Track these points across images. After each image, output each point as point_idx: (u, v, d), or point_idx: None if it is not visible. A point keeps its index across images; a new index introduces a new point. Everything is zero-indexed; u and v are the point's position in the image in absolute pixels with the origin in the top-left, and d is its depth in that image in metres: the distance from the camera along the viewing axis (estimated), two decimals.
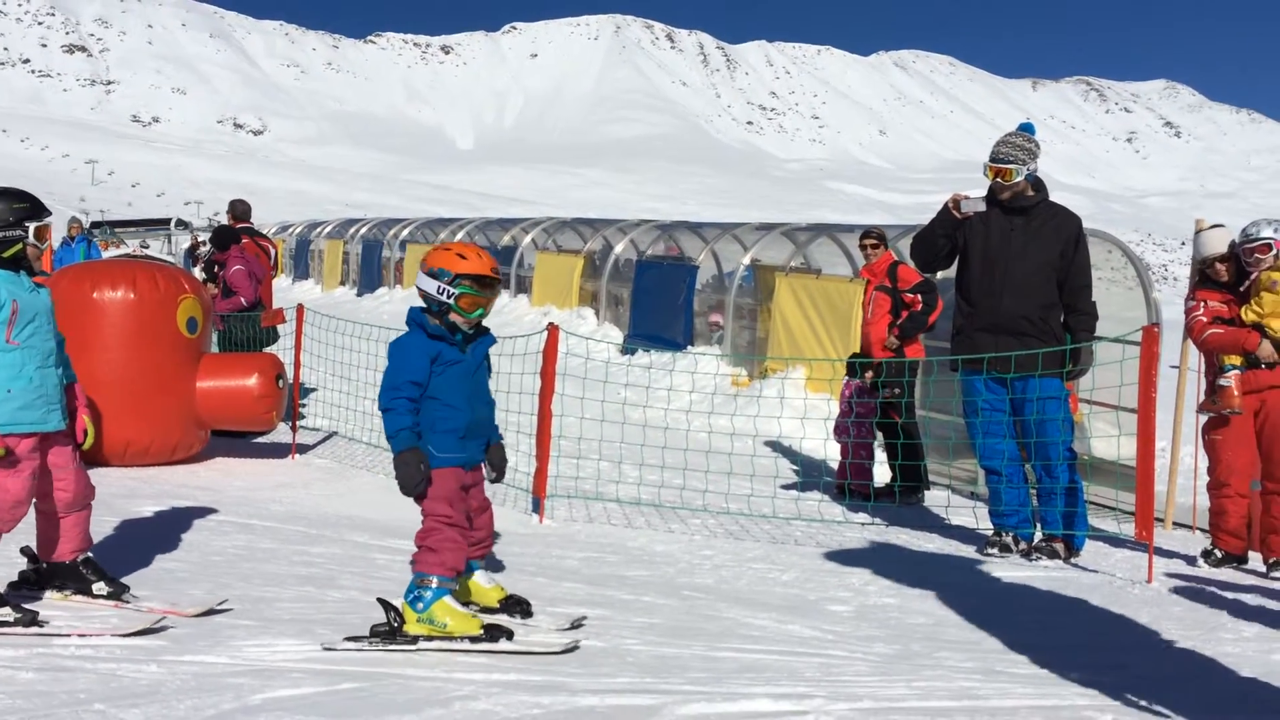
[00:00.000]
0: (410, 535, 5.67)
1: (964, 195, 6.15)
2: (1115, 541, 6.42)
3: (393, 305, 22.68)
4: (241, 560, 4.83)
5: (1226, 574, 5.81)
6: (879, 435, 8.03)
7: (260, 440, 8.62)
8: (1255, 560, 6.07)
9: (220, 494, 6.53)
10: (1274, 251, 5.92)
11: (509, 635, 3.70)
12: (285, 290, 28.11)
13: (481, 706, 3.07)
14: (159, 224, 34.21)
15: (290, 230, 33.71)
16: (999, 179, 5.94)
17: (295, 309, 9.14)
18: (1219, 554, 6.00)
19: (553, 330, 6.81)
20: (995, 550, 5.96)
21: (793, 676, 3.49)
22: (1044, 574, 5.52)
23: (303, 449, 8.38)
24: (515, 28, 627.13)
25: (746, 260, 14.01)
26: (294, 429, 8.42)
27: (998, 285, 5.97)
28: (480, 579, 4.14)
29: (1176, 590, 5.16)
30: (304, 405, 9.84)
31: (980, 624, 4.41)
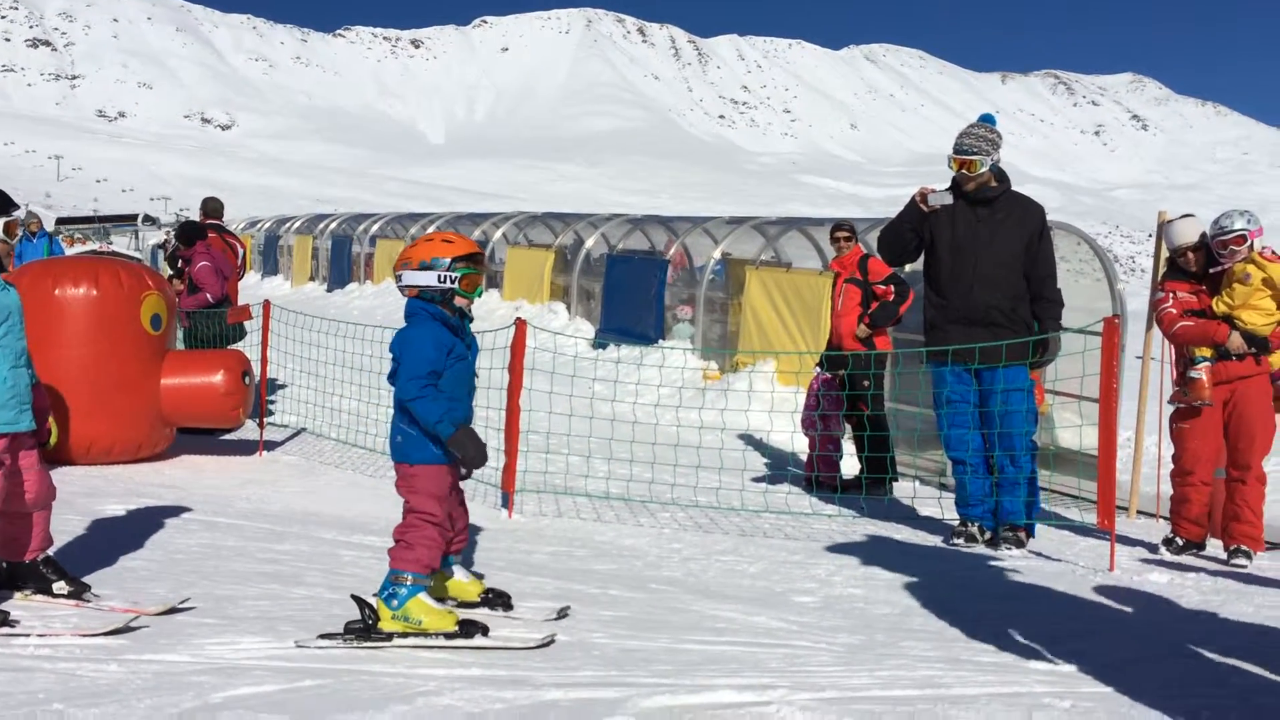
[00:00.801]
0: (378, 531, 5.68)
1: (931, 189, 6.17)
2: (1078, 530, 6.49)
3: (363, 301, 22.56)
4: (206, 558, 4.80)
5: (1187, 561, 5.89)
6: (847, 428, 8.07)
7: (227, 438, 8.56)
8: (1214, 547, 6.15)
9: (186, 492, 6.48)
10: (1248, 243, 5.98)
11: (484, 631, 3.69)
12: (253, 286, 27.91)
13: (445, 702, 3.07)
14: (125, 220, 33.86)
15: (259, 226, 33.44)
16: (963, 170, 5.97)
17: (261, 305, 9.08)
18: (1180, 541, 6.08)
19: (520, 325, 6.80)
20: (961, 540, 6.01)
21: (757, 668, 3.50)
22: (1008, 563, 5.58)
23: (270, 446, 8.33)
24: (486, 21, 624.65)
25: (717, 254, 14.04)
26: (261, 426, 8.37)
27: (967, 277, 6.00)
28: (459, 574, 4.14)
29: (1138, 578, 5.23)
30: (272, 402, 9.78)
31: (944, 613, 4.45)
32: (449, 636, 3.64)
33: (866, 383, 7.83)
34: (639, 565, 5.34)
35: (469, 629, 3.68)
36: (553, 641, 3.70)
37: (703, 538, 6.15)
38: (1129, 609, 4.64)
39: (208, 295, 9.37)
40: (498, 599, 4.12)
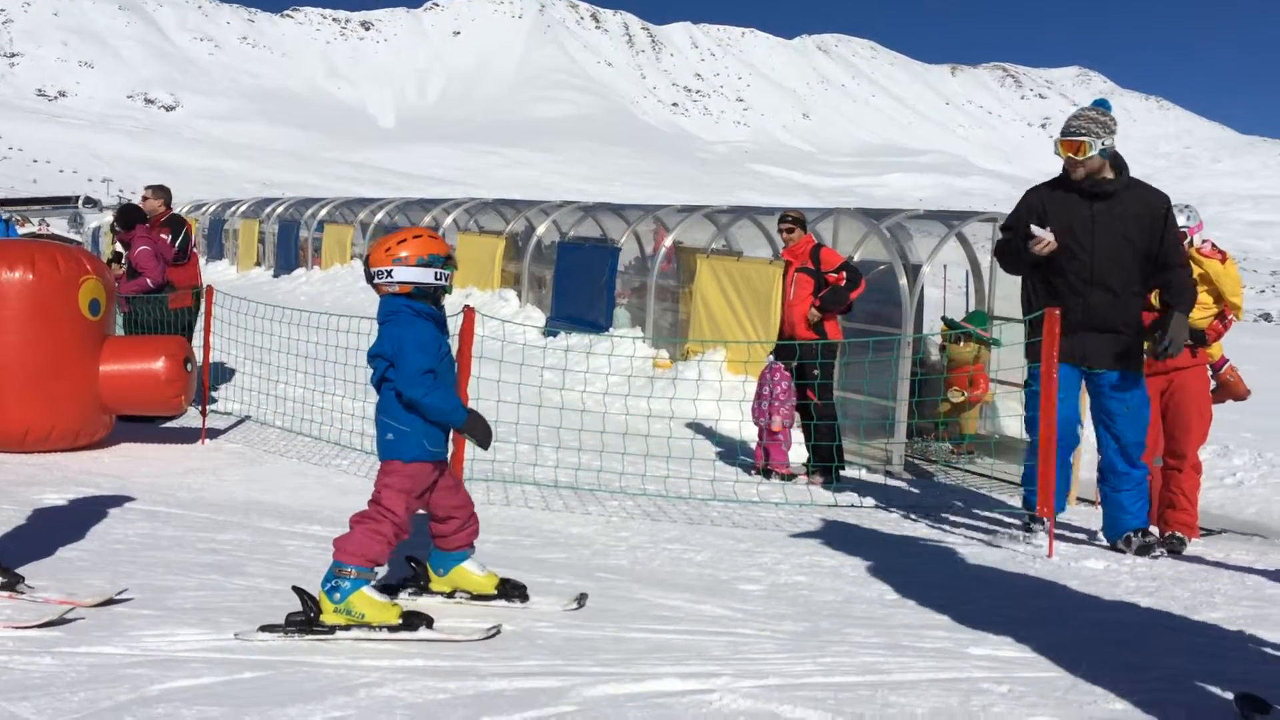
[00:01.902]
0: (323, 520, 5.63)
1: (1036, 238, 5.63)
2: (1018, 517, 6.59)
3: (310, 287, 22.28)
4: (144, 548, 4.72)
5: (1124, 547, 6.00)
6: (796, 416, 8.13)
7: (169, 425, 8.43)
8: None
9: (125, 481, 6.36)
10: (1187, 239, 6.09)
11: (429, 623, 3.66)
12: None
13: (387, 693, 3.05)
14: (65, 202, 33.09)
15: (203, 209, 32.87)
16: (1071, 154, 5.52)
17: (204, 290, 8.94)
18: None
19: (468, 313, 6.76)
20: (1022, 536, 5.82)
21: (701, 655, 3.52)
22: (950, 551, 5.65)
23: (213, 434, 8.21)
24: (437, 4, 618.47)
25: (668, 242, 14.04)
26: (204, 413, 8.24)
27: (1083, 282, 5.59)
28: (471, 567, 4.11)
29: (1075, 564, 5.33)
30: (215, 389, 9.64)
31: (888, 601, 4.50)
32: (392, 629, 3.62)
33: (816, 371, 7.89)
34: (586, 554, 5.34)
35: (413, 621, 3.65)
36: (498, 632, 3.68)
37: (650, 526, 6.16)
38: (1067, 595, 4.73)
39: (148, 280, 9.21)
40: (514, 590, 4.10)
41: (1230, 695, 3.18)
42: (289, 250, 25.56)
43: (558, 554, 5.28)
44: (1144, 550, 5.61)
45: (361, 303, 18.94)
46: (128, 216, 9.63)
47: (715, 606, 4.24)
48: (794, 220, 8.26)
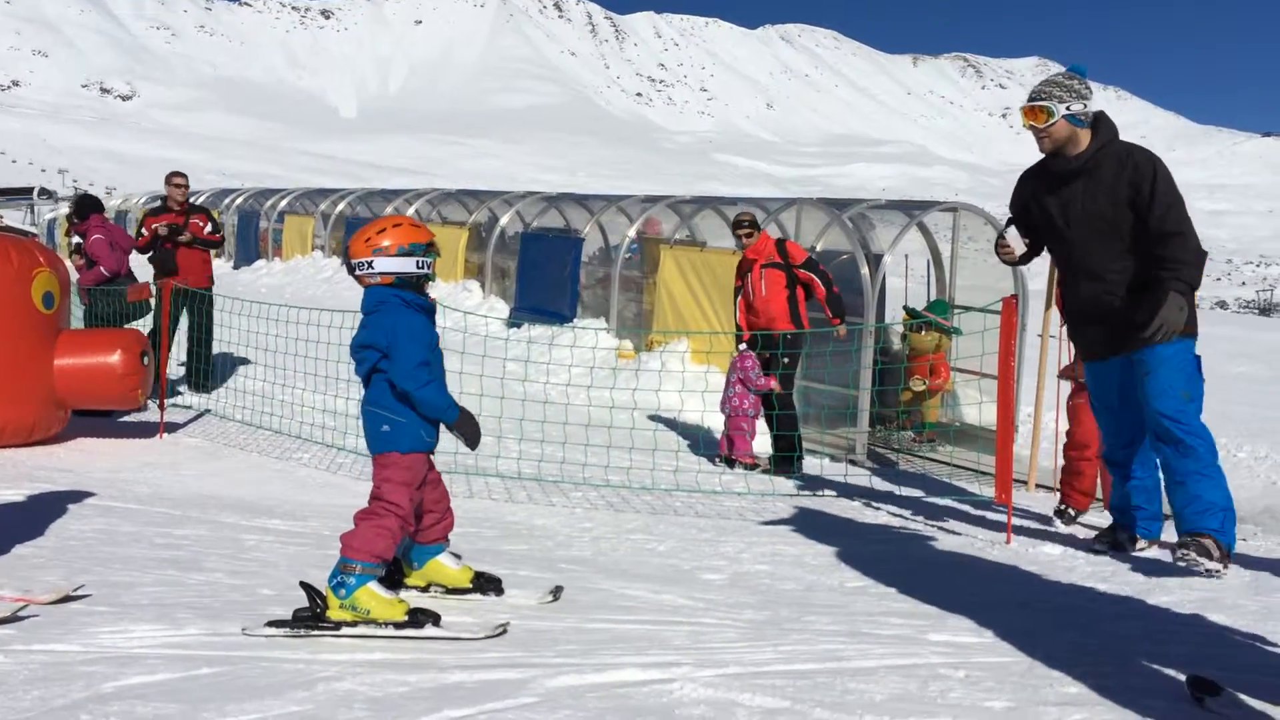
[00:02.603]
0: (282, 515, 5.59)
1: (1003, 244, 5.50)
2: (977, 504, 6.67)
3: (271, 278, 22.05)
4: (100, 544, 4.65)
5: (1079, 531, 6.09)
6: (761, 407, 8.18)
7: (126, 420, 8.32)
8: (1104, 519, 6.36)
9: (81, 476, 6.27)
10: None
11: (435, 620, 3.62)
12: None
13: (346, 687, 3.03)
14: (19, 193, 32.52)
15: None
16: (1032, 123, 5.05)
17: (160, 284, 8.83)
18: (1072, 512, 6.29)
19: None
20: (1103, 546, 5.39)
21: (662, 645, 3.53)
22: (909, 538, 5.71)
23: (171, 428, 8.11)
24: None
25: (631, 232, 14.04)
26: (162, 407, 8.14)
27: (1070, 271, 5.21)
28: (447, 561, 4.08)
29: (1033, 550, 5.39)
30: (174, 383, 9.53)
31: (848, 588, 4.54)
32: (398, 626, 3.58)
33: (787, 359, 7.96)
34: (549, 545, 5.34)
35: (419, 618, 3.60)
36: (505, 630, 3.63)
37: (614, 517, 6.17)
38: (1024, 581, 4.78)
39: (102, 269, 9.18)
40: (488, 584, 4.08)
41: (1183, 677, 3.23)
42: (249, 241, 25.29)
43: (520, 545, 5.27)
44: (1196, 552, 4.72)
45: (322, 295, 18.78)
46: (82, 207, 9.59)
47: (677, 596, 4.25)
48: (750, 223, 8.28)
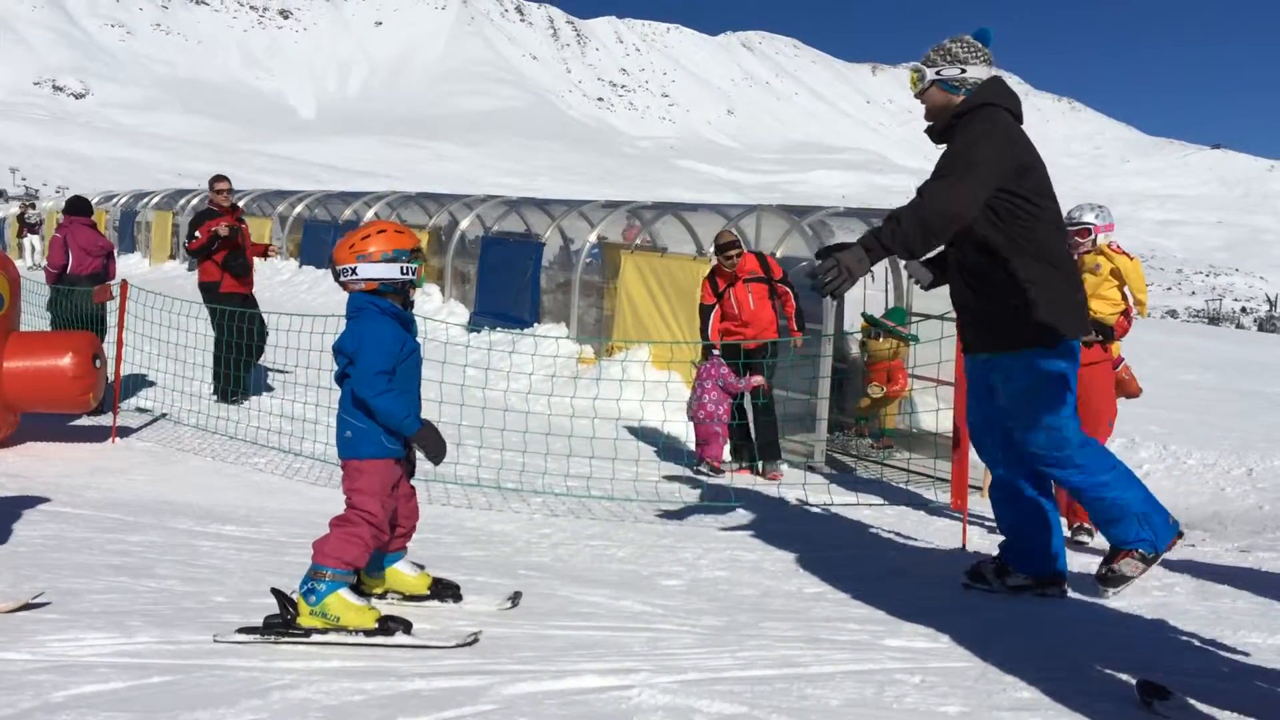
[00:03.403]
0: (237, 520, 5.52)
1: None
2: (934, 511, 6.73)
3: None
4: (50, 550, 4.57)
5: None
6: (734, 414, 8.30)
7: (78, 423, 8.18)
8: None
9: (30, 481, 6.16)
10: (1093, 236, 6.28)
11: (407, 628, 3.59)
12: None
13: (301, 695, 3.00)
14: None
15: (114, 200, 31.94)
16: (913, 91, 4.51)
17: (119, 285, 8.71)
18: None
19: None
20: (971, 580, 4.73)
21: (620, 651, 3.53)
22: (868, 544, 5.75)
23: (124, 432, 7.99)
24: None
25: (593, 237, 14.03)
26: (115, 411, 8.02)
27: (940, 260, 4.58)
28: (405, 568, 4.05)
29: (988, 556, 5.44)
30: (127, 386, 9.39)
31: (806, 595, 4.57)
32: (369, 634, 3.55)
33: (772, 364, 8.22)
34: (508, 551, 5.32)
35: (389, 626, 3.58)
36: (478, 639, 3.60)
37: (573, 523, 6.16)
38: (979, 587, 4.83)
39: (49, 267, 9.52)
40: (446, 590, 4.06)
41: (1133, 681, 3.28)
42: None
43: (478, 552, 5.25)
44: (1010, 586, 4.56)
45: (280, 297, 18.58)
46: (70, 206, 10.03)
47: (635, 602, 4.26)
48: (736, 244, 8.37)
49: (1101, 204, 6.52)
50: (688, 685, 3.20)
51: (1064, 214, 6.39)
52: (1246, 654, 3.75)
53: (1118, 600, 4.49)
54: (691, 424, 8.37)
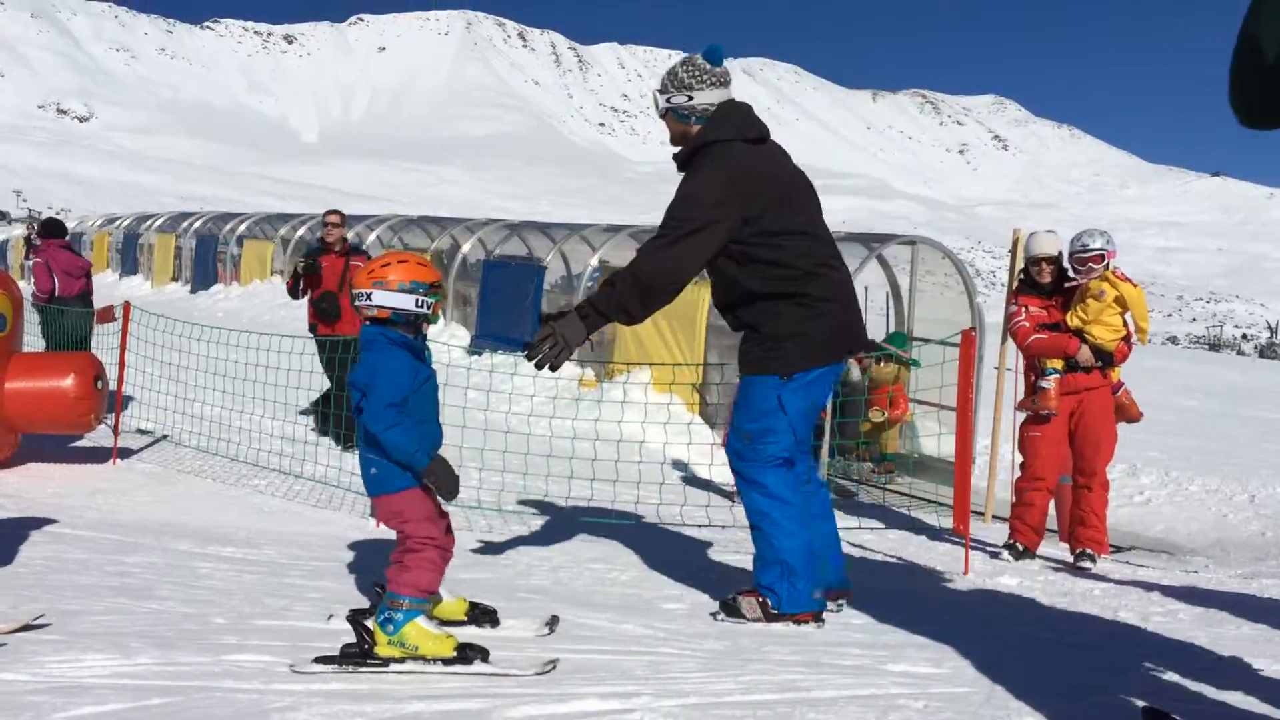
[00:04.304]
0: (237, 542, 5.51)
1: None
2: (935, 535, 6.72)
3: (229, 303, 21.85)
4: (50, 571, 4.56)
5: (1035, 565, 6.15)
6: None
7: (79, 444, 8.18)
8: (1061, 551, 6.43)
9: (30, 501, 6.15)
10: (1105, 262, 6.29)
11: (484, 656, 3.57)
12: (111, 286, 26.74)
13: (301, 717, 2.98)
14: None
15: (117, 223, 32.04)
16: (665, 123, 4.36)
17: (122, 306, 8.74)
18: (1020, 547, 6.34)
19: None
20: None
21: (622, 675, 3.51)
22: (870, 568, 5.73)
23: (125, 454, 7.98)
24: (362, 19, 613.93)
25: (594, 261, 14.07)
26: (116, 432, 8.02)
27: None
28: (441, 592, 4.02)
29: (991, 581, 5.44)
30: (128, 408, 9.39)
31: (808, 626, 4.53)
32: (447, 662, 3.53)
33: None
34: (509, 574, 5.30)
35: (468, 654, 3.56)
36: (555, 666, 3.57)
37: (574, 545, 6.14)
38: (982, 612, 4.82)
39: (36, 291, 9.79)
40: (483, 615, 4.03)
41: (1138, 707, 3.27)
42: (207, 266, 25.04)
43: (480, 574, 5.23)
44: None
45: (281, 320, 18.61)
46: (45, 229, 10.27)
47: (637, 626, 4.24)
48: None
49: (1104, 229, 6.55)
50: (689, 709, 3.18)
51: (1072, 239, 6.40)
52: (1250, 681, 3.73)
53: (1122, 627, 4.48)
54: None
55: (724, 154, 4.18)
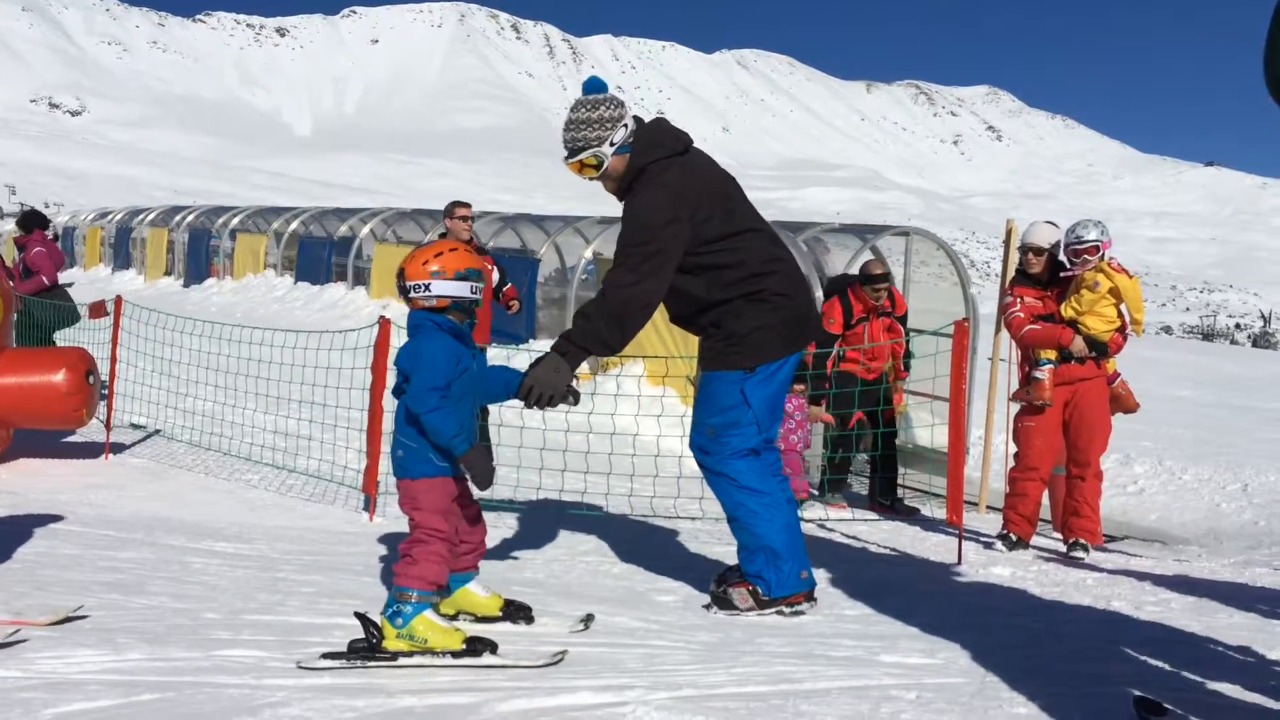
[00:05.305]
0: (230, 537, 5.50)
1: None
2: (929, 526, 6.72)
3: (222, 297, 21.80)
4: (41, 567, 4.54)
5: (1029, 553, 6.15)
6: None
7: (70, 440, 8.15)
8: (1055, 541, 6.44)
9: (21, 497, 6.13)
10: (1100, 253, 6.27)
11: (493, 648, 3.58)
12: (104, 280, 26.67)
13: (293, 712, 2.97)
14: None
15: (110, 217, 31.94)
16: (593, 175, 4.32)
17: (114, 301, 8.72)
18: (1013, 538, 6.34)
19: (384, 323, 6.68)
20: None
21: (615, 668, 3.51)
22: (863, 559, 5.73)
23: (118, 448, 7.96)
24: (355, 12, 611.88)
25: (588, 253, 14.05)
26: (108, 427, 7.99)
27: None
28: (477, 589, 4.02)
29: (984, 572, 5.44)
30: (121, 402, 9.36)
31: (800, 610, 4.54)
32: (456, 655, 3.53)
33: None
34: (502, 567, 5.29)
35: (477, 646, 3.56)
36: (563, 658, 3.58)
37: (567, 538, 6.13)
38: (975, 602, 4.82)
39: (44, 279, 9.68)
40: (519, 612, 4.03)
41: (1131, 696, 3.27)
42: (200, 259, 24.98)
43: None
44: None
45: (274, 314, 18.57)
46: (28, 221, 10.22)
47: (630, 619, 4.23)
48: (889, 276, 8.16)
49: (1099, 220, 6.53)
50: (683, 702, 3.18)
51: (1068, 230, 6.39)
52: (1243, 670, 3.73)
53: (1115, 616, 4.48)
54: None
55: (660, 174, 4.25)
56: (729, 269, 4.29)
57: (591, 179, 4.32)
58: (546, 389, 4.00)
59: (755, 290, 4.32)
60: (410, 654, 3.53)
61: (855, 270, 8.98)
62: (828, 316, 7.94)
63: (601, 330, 4.13)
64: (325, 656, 3.47)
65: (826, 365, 7.96)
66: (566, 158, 4.30)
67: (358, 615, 3.60)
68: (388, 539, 5.81)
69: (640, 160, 4.27)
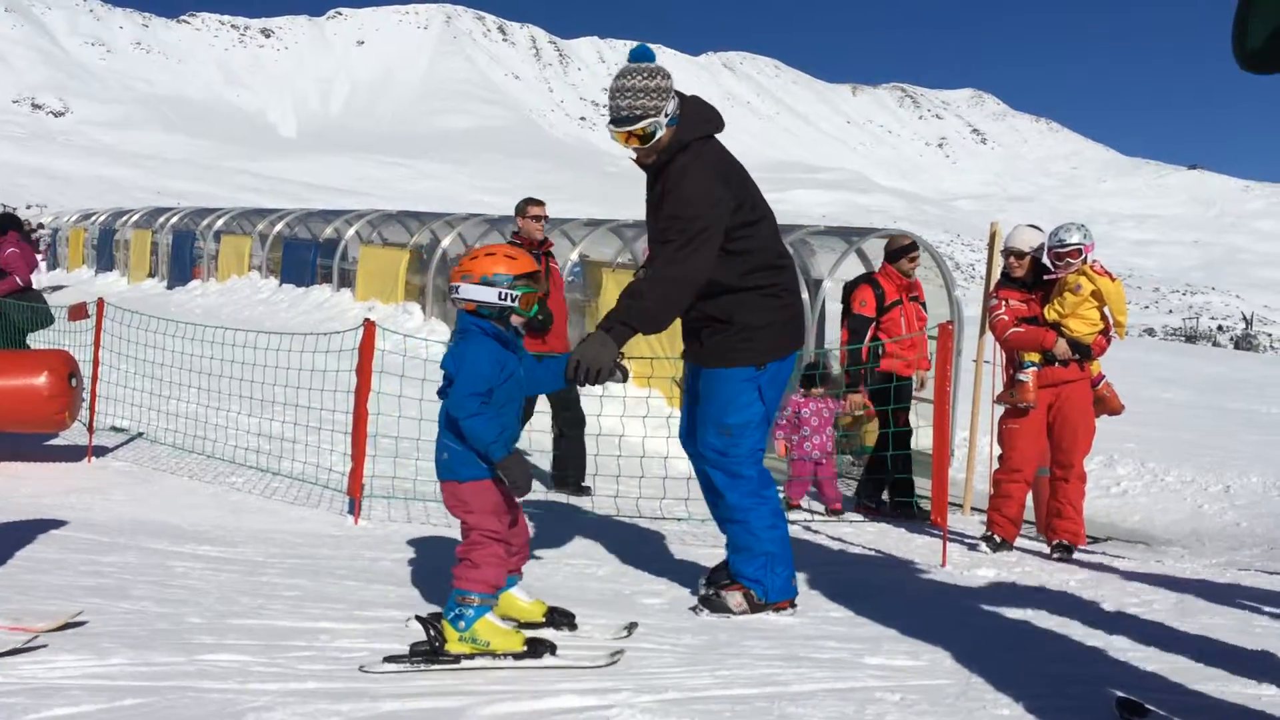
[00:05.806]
0: (214, 540, 5.48)
1: None
2: (914, 527, 6.74)
3: (206, 299, 21.71)
4: (22, 572, 4.51)
5: (1013, 556, 6.18)
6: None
7: (53, 443, 8.10)
8: (1038, 543, 6.46)
9: (3, 501, 6.09)
10: (1083, 256, 6.31)
11: (553, 650, 3.61)
12: (87, 282, 26.53)
13: (276, 717, 2.96)
14: None
15: (93, 218, 31.76)
16: (639, 145, 4.23)
17: (95, 303, 8.67)
18: (997, 539, 6.37)
19: (369, 326, 6.66)
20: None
21: (600, 671, 3.51)
22: (848, 561, 5.74)
23: (100, 452, 7.92)
24: (340, 13, 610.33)
25: (575, 256, 14.04)
26: (91, 430, 7.95)
27: None
28: (519, 594, 4.02)
29: (968, 573, 5.46)
30: (103, 405, 9.31)
31: (785, 613, 4.54)
32: (518, 657, 3.55)
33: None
34: None
35: (538, 648, 3.58)
36: (620, 657, 3.61)
37: (555, 541, 6.13)
38: (959, 604, 4.84)
39: (17, 279, 9.73)
40: (562, 619, 4.04)
41: (1113, 699, 3.29)
42: (184, 262, 24.87)
43: None
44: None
45: (259, 316, 18.50)
46: (1, 223, 10.21)
47: (616, 621, 4.23)
48: (917, 245, 7.98)
49: (1083, 223, 6.57)
50: (668, 705, 3.18)
51: (1051, 234, 6.42)
52: (1225, 670, 3.76)
53: (1098, 618, 4.50)
54: (789, 464, 7.80)
55: (703, 151, 4.22)
56: (744, 256, 4.24)
57: (636, 149, 4.23)
58: (594, 364, 3.93)
59: (768, 284, 4.30)
60: (472, 656, 3.55)
61: (840, 274, 9.01)
62: (858, 300, 7.72)
63: (654, 309, 4.08)
64: (388, 660, 3.49)
65: (862, 355, 7.70)
66: (617, 126, 4.17)
67: (418, 618, 3.62)
68: (373, 541, 5.80)
69: (686, 135, 4.20)
